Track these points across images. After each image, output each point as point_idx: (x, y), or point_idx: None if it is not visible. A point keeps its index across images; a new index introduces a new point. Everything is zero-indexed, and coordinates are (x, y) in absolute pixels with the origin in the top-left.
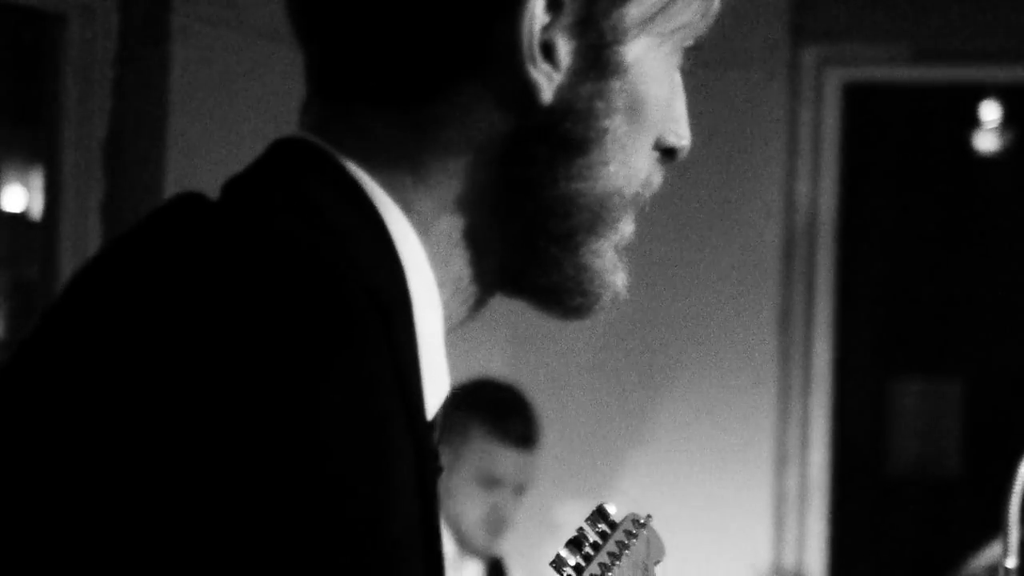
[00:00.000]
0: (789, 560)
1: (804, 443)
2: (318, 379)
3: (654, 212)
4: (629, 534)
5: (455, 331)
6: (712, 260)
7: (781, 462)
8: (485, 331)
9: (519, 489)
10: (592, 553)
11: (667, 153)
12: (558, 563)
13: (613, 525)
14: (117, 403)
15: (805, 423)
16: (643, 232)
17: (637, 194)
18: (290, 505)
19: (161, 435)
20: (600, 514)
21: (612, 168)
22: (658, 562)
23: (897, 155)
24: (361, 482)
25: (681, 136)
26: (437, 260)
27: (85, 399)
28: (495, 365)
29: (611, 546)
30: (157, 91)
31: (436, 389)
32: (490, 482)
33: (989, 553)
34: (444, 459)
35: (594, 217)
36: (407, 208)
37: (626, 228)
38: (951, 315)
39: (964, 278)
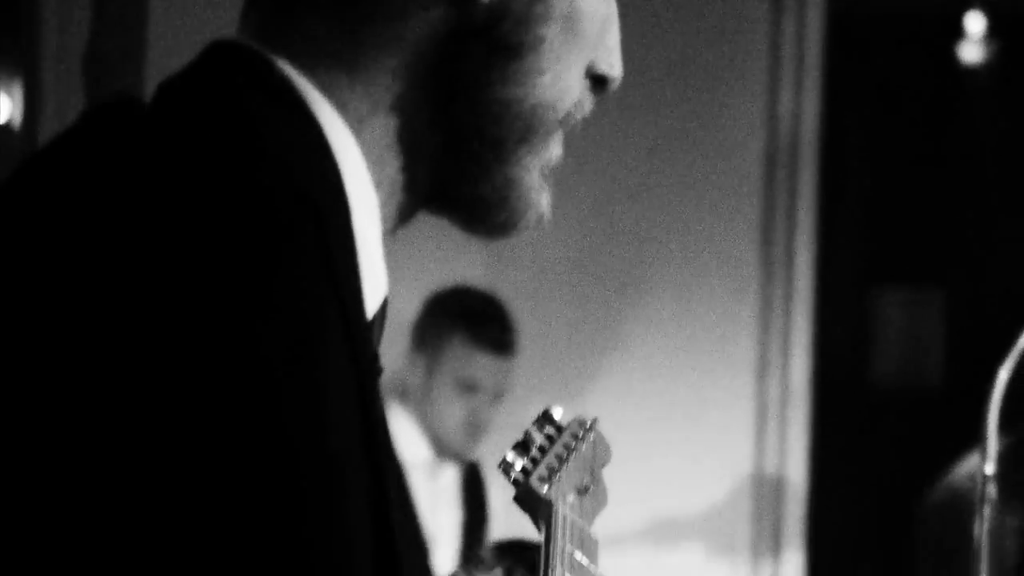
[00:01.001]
0: (770, 469)
1: (785, 352)
2: (248, 289)
3: (637, 121)
4: (576, 437)
5: (425, 240)
6: (695, 171)
7: (762, 371)
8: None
9: (497, 394)
10: (539, 456)
11: (598, 82)
12: (506, 466)
13: (560, 429)
14: (44, 315)
15: (786, 333)
16: (626, 142)
17: (568, 115)
18: (221, 420)
19: (86, 354)
20: (546, 418)
21: (546, 79)
22: (605, 464)
23: (881, 66)
24: (294, 394)
25: (613, 66)
26: (372, 161)
27: (11, 308)
28: (471, 273)
29: (558, 449)
30: (137, 1)
31: (374, 290)
32: (468, 388)
33: (970, 462)
34: (421, 365)
35: (526, 127)
36: (342, 108)
37: (555, 149)
38: (934, 225)
39: (947, 188)
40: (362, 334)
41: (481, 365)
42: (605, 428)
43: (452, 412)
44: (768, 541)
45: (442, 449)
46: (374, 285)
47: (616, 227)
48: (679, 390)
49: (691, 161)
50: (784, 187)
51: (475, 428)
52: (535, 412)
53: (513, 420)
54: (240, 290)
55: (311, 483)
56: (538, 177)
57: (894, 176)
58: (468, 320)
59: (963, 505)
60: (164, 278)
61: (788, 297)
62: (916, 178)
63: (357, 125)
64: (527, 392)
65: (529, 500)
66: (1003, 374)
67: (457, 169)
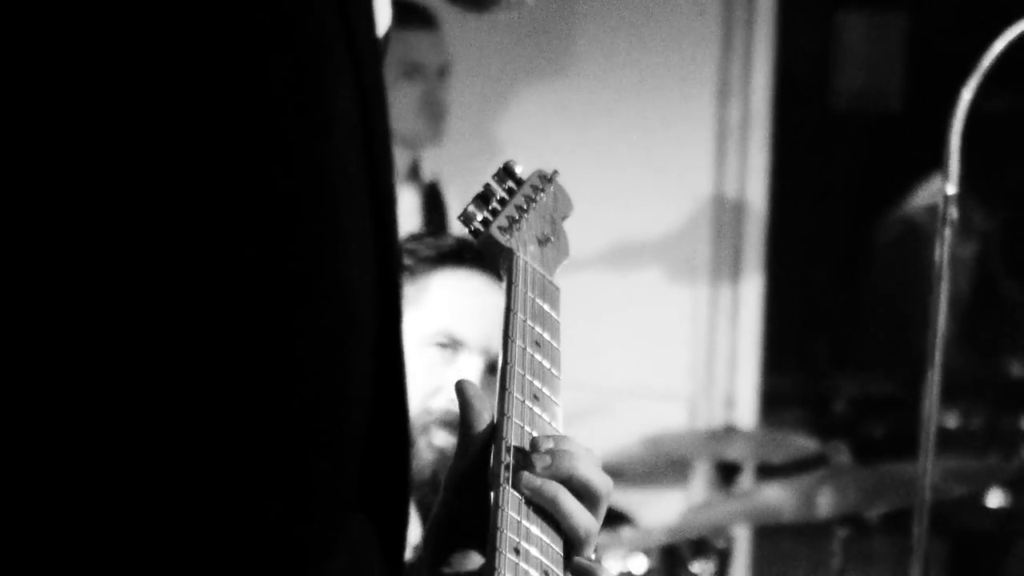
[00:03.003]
0: (730, 191)
1: (747, 74)
2: None
3: None
4: (536, 189)
5: None
6: None
7: (723, 93)
8: None
9: (441, 71)
10: (499, 207)
11: None
12: (466, 217)
13: (520, 182)
14: None
15: (748, 54)
16: None
17: None
18: None
19: None
20: (507, 171)
21: None
22: (566, 216)
23: None
24: None
25: None
26: None
27: None
28: None
29: (518, 200)
30: None
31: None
32: (412, 70)
33: (928, 191)
34: None
35: None
36: None
37: None
38: None
39: None
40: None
41: (416, 43)
42: (566, 157)
43: (405, 99)
44: (728, 263)
45: (408, 142)
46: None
47: None
48: (639, 112)
49: None
50: None
51: (433, 107)
52: (496, 127)
53: (474, 134)
54: None
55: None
56: None
57: None
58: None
59: (919, 236)
60: None
61: (750, 18)
62: None
63: None
64: (490, 108)
65: (490, 249)
66: (966, 95)
67: None
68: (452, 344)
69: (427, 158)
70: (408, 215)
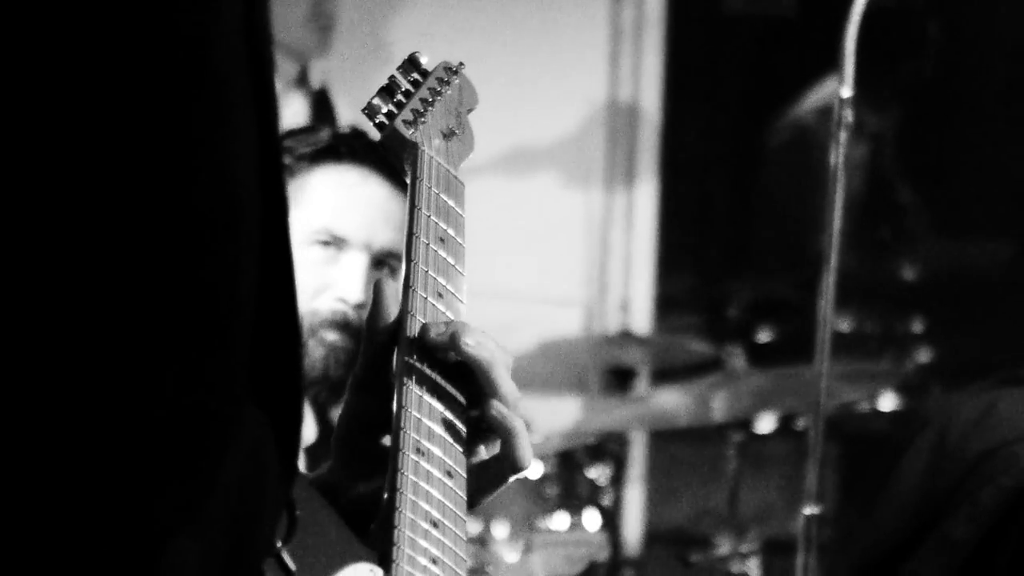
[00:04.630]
0: (624, 96)
1: None
2: None
3: None
4: (442, 81)
5: None
6: None
7: None
8: None
9: None
10: (404, 100)
11: None
12: (371, 110)
13: (425, 74)
14: None
15: None
16: None
17: None
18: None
19: None
20: (412, 63)
21: None
22: (471, 109)
23: None
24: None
25: None
26: None
27: None
28: None
29: (423, 93)
30: None
31: None
32: None
33: (820, 93)
34: None
35: None
36: None
37: None
38: None
39: None
40: None
41: None
42: (460, 59)
43: (295, 9)
44: (622, 168)
45: (296, 53)
46: None
47: None
48: (532, 15)
49: None
50: None
51: (322, 21)
52: (387, 32)
53: (366, 42)
54: None
55: (197, 103)
56: None
57: None
58: None
59: (810, 139)
60: None
61: None
62: None
63: None
64: (381, 14)
65: (394, 142)
66: None
67: None
68: (335, 241)
69: (316, 65)
70: (296, 121)
